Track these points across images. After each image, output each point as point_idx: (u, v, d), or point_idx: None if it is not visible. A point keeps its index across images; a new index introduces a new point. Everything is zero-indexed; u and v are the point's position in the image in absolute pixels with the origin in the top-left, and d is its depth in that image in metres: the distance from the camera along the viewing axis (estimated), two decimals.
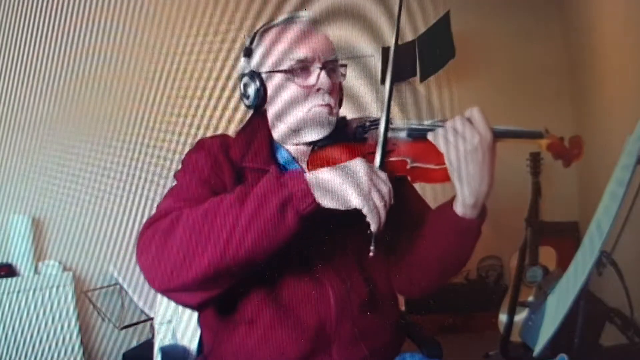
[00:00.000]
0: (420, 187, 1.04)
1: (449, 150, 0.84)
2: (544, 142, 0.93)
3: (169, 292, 0.84)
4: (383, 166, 0.87)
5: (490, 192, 0.86)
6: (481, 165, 0.83)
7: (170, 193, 0.91)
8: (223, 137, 0.99)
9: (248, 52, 0.98)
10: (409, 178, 0.91)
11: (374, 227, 0.80)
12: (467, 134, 0.83)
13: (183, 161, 0.97)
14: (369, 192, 0.79)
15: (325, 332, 0.91)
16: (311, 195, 0.77)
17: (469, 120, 0.84)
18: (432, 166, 0.88)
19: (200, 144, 0.97)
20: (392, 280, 1.00)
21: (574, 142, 0.94)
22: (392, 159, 0.90)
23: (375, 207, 0.79)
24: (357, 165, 0.81)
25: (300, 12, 0.95)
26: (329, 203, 0.78)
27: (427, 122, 0.91)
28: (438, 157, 0.86)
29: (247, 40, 0.99)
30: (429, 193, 1.05)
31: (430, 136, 0.86)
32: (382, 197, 0.80)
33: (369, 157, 0.92)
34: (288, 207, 0.77)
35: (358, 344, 0.92)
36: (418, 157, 0.89)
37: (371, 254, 0.84)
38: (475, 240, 0.91)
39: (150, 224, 0.83)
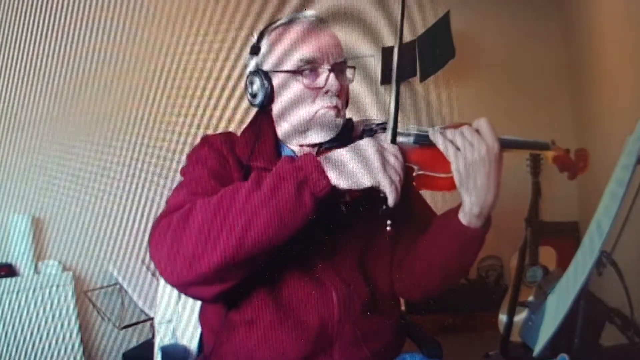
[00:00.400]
0: (425, 192, 1.04)
1: (456, 160, 0.83)
2: (550, 154, 0.93)
3: (185, 285, 0.83)
4: (394, 141, 0.87)
5: (496, 203, 0.86)
6: (488, 176, 0.83)
7: (181, 186, 0.90)
8: (228, 135, 0.98)
9: (256, 50, 0.97)
10: (414, 184, 0.91)
11: (391, 201, 0.80)
12: (475, 144, 0.83)
13: (189, 157, 0.96)
14: (384, 168, 0.79)
15: (327, 333, 0.90)
16: (326, 177, 0.78)
17: (477, 131, 0.84)
18: (438, 174, 0.88)
19: (206, 140, 0.96)
20: (393, 282, 1.00)
21: (580, 155, 0.94)
22: None
23: (392, 182, 0.79)
24: (368, 144, 0.81)
25: (309, 12, 0.94)
26: (344, 184, 0.78)
27: (432, 130, 0.90)
28: (444, 165, 0.85)
29: (254, 38, 0.97)
30: (432, 197, 1.05)
31: (438, 141, 0.85)
32: (397, 171, 0.81)
33: None
34: (304, 189, 0.77)
35: (359, 344, 0.92)
36: (425, 165, 0.88)
37: (388, 228, 0.84)
38: (479, 249, 0.91)
39: (162, 217, 0.82)
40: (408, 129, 0.91)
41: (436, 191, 0.89)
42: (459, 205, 0.88)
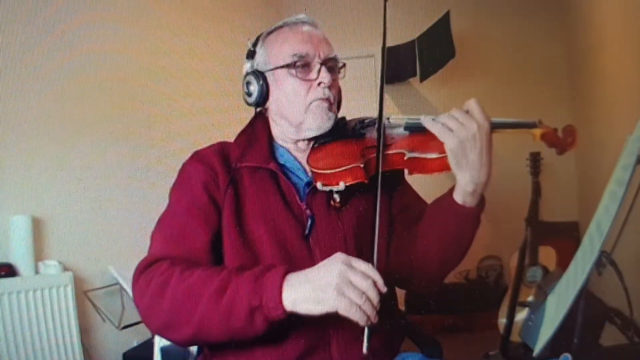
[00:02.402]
0: (420, 189, 1.04)
1: (448, 138, 0.85)
2: (537, 131, 0.94)
3: (162, 337, 0.97)
4: (374, 256, 0.86)
5: (488, 182, 0.87)
6: (480, 153, 0.85)
7: (161, 227, 0.94)
8: (221, 144, 1.01)
9: (251, 54, 1.02)
10: (406, 171, 0.92)
11: (360, 322, 0.78)
12: (466, 123, 0.85)
13: (179, 173, 0.99)
14: (342, 293, 0.77)
15: (324, 331, 0.91)
16: (281, 307, 0.78)
17: (467, 112, 0.87)
18: (429, 156, 0.89)
19: (196, 156, 0.99)
20: (392, 274, 1.00)
21: (568, 131, 0.95)
22: (389, 152, 0.92)
23: (353, 304, 0.76)
24: (331, 267, 0.79)
25: (301, 16, 0.99)
26: (301, 310, 0.79)
27: (423, 117, 0.92)
28: (435, 147, 0.88)
29: (250, 44, 1.03)
30: (422, 192, 1.05)
31: (429, 125, 0.88)
32: (362, 293, 0.77)
33: (367, 152, 0.93)
34: (258, 314, 0.79)
35: (358, 342, 0.92)
36: (415, 148, 0.91)
37: (364, 351, 0.82)
38: (475, 229, 0.92)
39: (143, 269, 0.88)
40: (398, 118, 0.94)
41: (429, 174, 0.90)
42: (452, 188, 0.90)
